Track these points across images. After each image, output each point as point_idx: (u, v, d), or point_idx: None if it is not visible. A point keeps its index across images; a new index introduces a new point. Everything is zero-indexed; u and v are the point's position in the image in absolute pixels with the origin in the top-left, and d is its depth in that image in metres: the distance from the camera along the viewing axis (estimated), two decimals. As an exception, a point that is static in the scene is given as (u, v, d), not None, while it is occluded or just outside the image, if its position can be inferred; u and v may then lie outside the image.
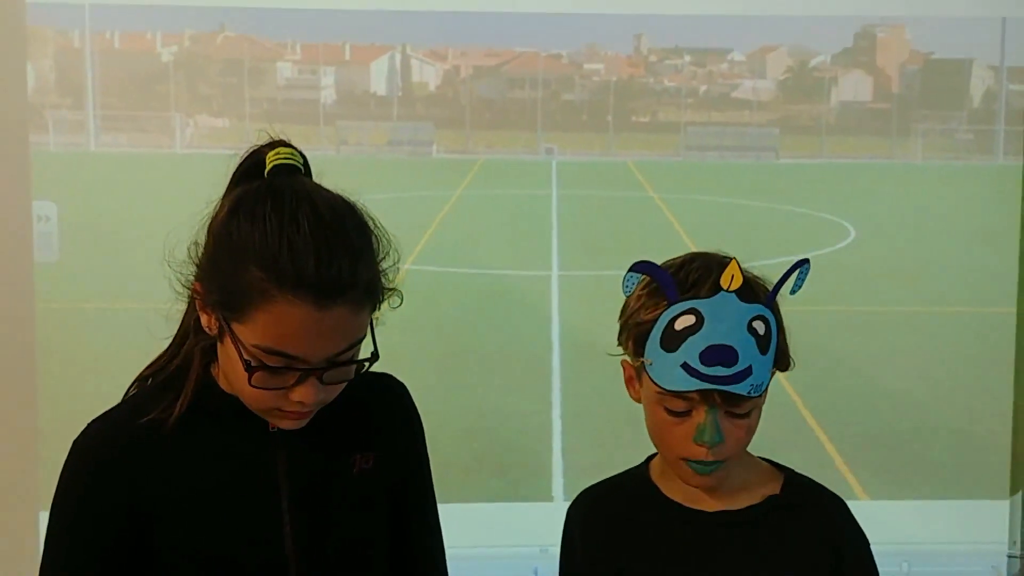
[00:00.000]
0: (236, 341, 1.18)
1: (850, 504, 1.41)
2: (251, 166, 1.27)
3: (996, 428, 3.25)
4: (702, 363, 1.23)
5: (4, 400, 2.85)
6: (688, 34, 3.39)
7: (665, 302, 1.26)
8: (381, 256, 1.24)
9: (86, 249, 3.10)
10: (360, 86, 3.43)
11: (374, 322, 1.25)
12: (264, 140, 1.29)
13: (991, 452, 3.26)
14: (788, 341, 1.32)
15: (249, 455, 1.29)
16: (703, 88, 3.50)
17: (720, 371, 1.23)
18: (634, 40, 3.42)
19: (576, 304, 3.62)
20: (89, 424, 1.31)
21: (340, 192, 1.25)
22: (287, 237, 1.15)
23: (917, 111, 3.45)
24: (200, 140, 3.21)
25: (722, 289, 1.25)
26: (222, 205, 1.23)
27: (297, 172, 1.26)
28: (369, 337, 1.24)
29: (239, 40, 3.28)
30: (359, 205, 1.25)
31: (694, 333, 1.24)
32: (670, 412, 1.28)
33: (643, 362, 1.28)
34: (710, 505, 1.34)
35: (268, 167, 1.25)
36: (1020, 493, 3.22)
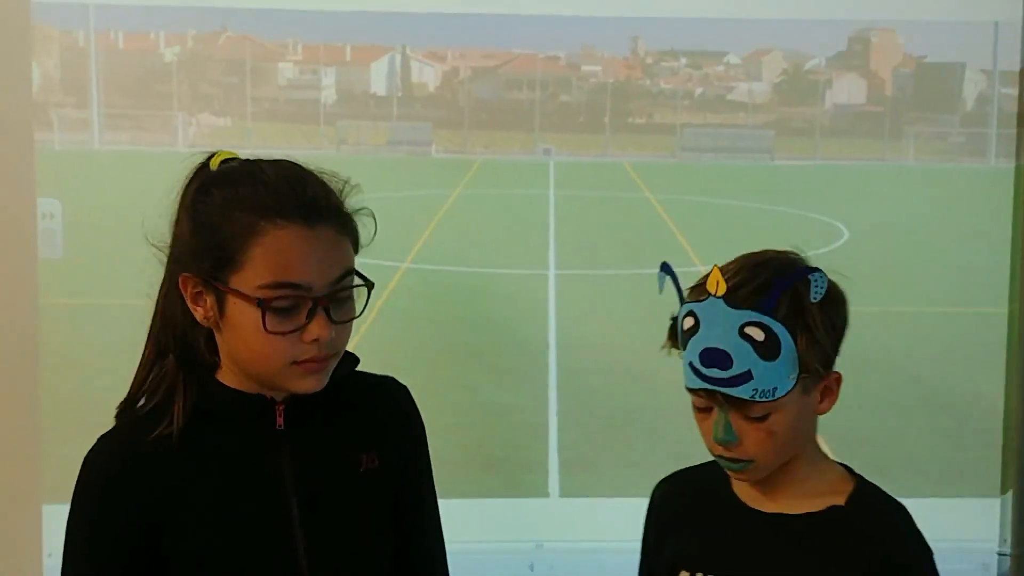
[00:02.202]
0: (240, 295, 1.21)
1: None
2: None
3: (986, 427, 3.28)
4: (701, 363, 1.28)
5: (7, 396, 2.88)
6: (684, 37, 3.41)
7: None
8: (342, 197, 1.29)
9: (90, 246, 3.12)
10: (360, 86, 3.45)
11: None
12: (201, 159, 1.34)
13: (981, 450, 3.29)
14: (824, 347, 1.32)
15: (255, 458, 1.31)
16: (699, 90, 3.53)
17: (716, 372, 1.27)
18: (631, 42, 3.44)
19: (572, 303, 3.64)
20: (97, 441, 1.33)
21: None
22: (260, 182, 1.22)
23: (910, 114, 3.48)
24: (202, 139, 3.24)
25: (710, 294, 1.29)
26: (181, 203, 1.28)
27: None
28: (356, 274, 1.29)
29: (241, 40, 3.30)
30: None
31: (694, 334, 1.29)
32: (696, 408, 1.34)
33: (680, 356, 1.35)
34: (769, 507, 1.36)
35: (216, 165, 1.30)
36: (1011, 491, 3.24)
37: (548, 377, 3.41)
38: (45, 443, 2.87)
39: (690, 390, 1.32)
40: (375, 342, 3.57)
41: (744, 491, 1.38)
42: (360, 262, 1.30)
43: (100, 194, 3.22)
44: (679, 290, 1.34)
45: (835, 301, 1.35)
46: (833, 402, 1.37)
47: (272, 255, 1.20)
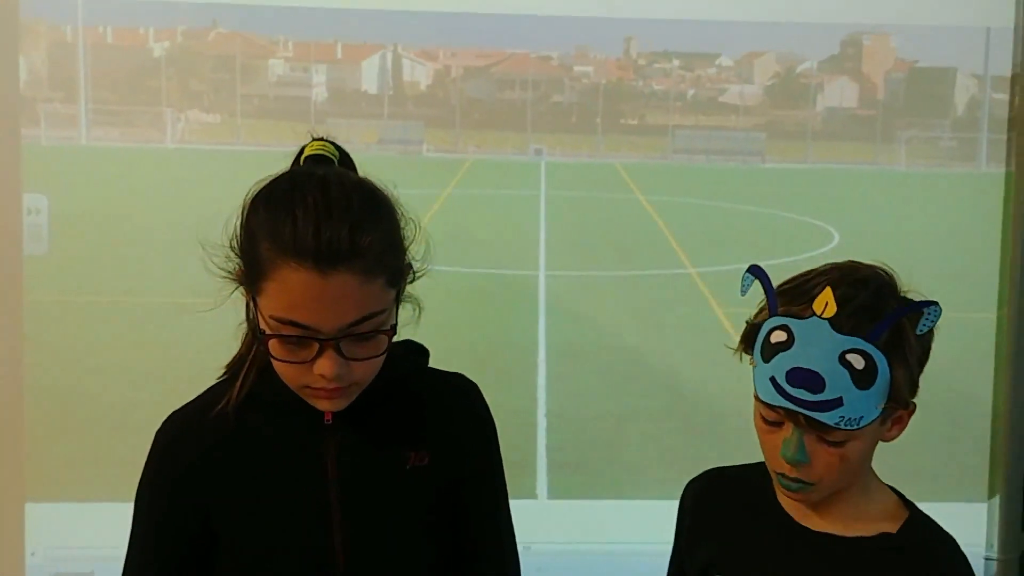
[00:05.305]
0: (259, 314, 1.23)
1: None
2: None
3: (975, 432, 3.29)
4: (788, 382, 1.20)
5: (-9, 392, 2.86)
6: (677, 38, 3.41)
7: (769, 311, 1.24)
8: (404, 237, 1.27)
9: (76, 242, 3.10)
10: (351, 84, 3.44)
11: (408, 301, 1.29)
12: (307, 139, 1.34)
13: (970, 455, 3.29)
14: (914, 378, 1.27)
15: (302, 446, 1.33)
16: (691, 92, 3.53)
17: (804, 394, 1.19)
18: (624, 43, 3.43)
19: (563, 303, 3.64)
20: (169, 416, 1.36)
21: (374, 180, 1.29)
22: (292, 212, 1.21)
23: (902, 118, 3.48)
24: (191, 135, 3.22)
25: (815, 313, 1.20)
26: (248, 197, 1.29)
27: (327, 162, 1.31)
28: (393, 313, 1.27)
29: (231, 37, 3.29)
30: (385, 189, 1.29)
31: (785, 350, 1.21)
32: (764, 420, 1.26)
33: (751, 362, 1.27)
34: (818, 524, 1.31)
35: (301, 159, 1.31)
36: (998, 496, 3.25)
37: (537, 378, 3.41)
38: (28, 441, 2.85)
39: (764, 403, 1.23)
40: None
41: (791, 505, 1.33)
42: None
43: (87, 190, 3.20)
44: (772, 297, 1.23)
45: (930, 334, 1.28)
46: (902, 431, 1.32)
47: (282, 293, 1.20)
